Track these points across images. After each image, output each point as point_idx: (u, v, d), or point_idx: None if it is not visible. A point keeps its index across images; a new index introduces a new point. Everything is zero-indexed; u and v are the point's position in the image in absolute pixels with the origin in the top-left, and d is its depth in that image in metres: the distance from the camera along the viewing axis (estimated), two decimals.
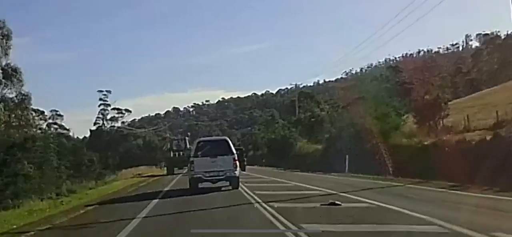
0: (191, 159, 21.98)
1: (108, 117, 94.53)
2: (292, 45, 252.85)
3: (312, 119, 60.52)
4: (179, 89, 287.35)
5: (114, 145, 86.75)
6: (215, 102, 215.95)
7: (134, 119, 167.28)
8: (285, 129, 62.47)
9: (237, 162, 21.83)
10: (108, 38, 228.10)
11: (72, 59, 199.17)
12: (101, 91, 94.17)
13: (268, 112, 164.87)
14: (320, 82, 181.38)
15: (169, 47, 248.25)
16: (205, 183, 21.51)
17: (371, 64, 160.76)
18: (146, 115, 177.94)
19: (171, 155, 45.95)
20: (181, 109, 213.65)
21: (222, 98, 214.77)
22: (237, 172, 21.65)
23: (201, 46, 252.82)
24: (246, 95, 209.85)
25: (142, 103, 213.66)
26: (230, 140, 23.71)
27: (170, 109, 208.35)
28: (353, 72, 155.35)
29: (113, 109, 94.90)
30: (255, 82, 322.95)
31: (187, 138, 52.55)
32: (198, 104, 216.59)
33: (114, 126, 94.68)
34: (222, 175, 21.47)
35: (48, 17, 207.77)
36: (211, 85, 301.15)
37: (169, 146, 50.74)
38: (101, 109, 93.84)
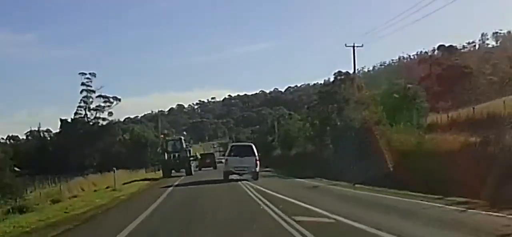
0: (225, 157, 31.51)
1: (92, 106, 74.29)
2: (302, 44, 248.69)
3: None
4: (185, 88, 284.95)
5: (92, 141, 69.74)
6: (221, 99, 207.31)
7: (137, 116, 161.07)
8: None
9: (258, 162, 29.58)
10: (113, 35, 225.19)
11: (75, 56, 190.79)
12: (83, 73, 73.17)
13: (277, 110, 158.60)
14: (331, 79, 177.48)
15: (175, 46, 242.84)
16: (234, 175, 29.44)
17: (384, 62, 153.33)
18: (149, 112, 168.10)
19: (166, 157, 42.56)
20: (186, 106, 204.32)
21: (229, 95, 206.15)
22: (257, 169, 29.41)
23: (208, 45, 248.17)
24: (254, 92, 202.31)
25: (146, 102, 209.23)
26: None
27: (173, 106, 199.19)
28: (365, 70, 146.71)
29: (99, 96, 74.17)
30: (263, 82, 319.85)
31: (183, 138, 47.96)
32: (203, 101, 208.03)
33: (98, 118, 74.41)
34: (247, 170, 29.04)
35: (53, 15, 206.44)
36: (218, 84, 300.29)
37: (164, 147, 46.14)
38: (83, 97, 73.70)
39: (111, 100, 74.56)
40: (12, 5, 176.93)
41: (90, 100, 73.52)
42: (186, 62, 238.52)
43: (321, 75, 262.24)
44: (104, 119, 73.93)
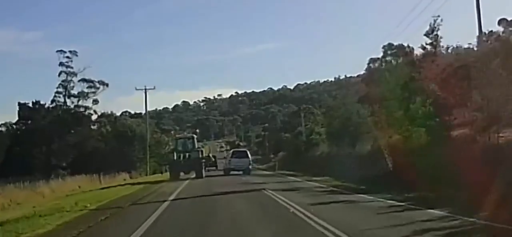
0: (228, 159, 42.47)
1: (74, 91, 59.62)
2: (310, 44, 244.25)
3: None
4: (191, 87, 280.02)
5: (62, 133, 55.08)
6: (228, 96, 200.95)
7: (141, 113, 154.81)
8: None
9: (251, 161, 41.59)
10: (119, 34, 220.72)
11: (80, 54, 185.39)
12: (61, 51, 58.53)
13: (286, 107, 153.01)
14: (341, 77, 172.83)
15: (182, 45, 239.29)
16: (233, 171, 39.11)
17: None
18: (153, 109, 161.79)
19: (175, 157, 38.70)
20: (191, 103, 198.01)
21: (235, 92, 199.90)
22: (250, 166, 40.48)
23: (215, 44, 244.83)
24: (261, 90, 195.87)
25: (151, 99, 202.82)
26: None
27: (179, 103, 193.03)
28: (361, 73, 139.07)
29: (82, 80, 59.34)
30: (270, 81, 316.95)
31: (195, 136, 42.72)
32: (209, 98, 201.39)
33: (80, 106, 59.47)
34: (243, 167, 39.38)
35: (59, 13, 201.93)
36: (225, 83, 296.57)
37: (174, 146, 42.23)
38: (62, 81, 59.12)
39: (97, 84, 59.72)
40: (19, 3, 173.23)
41: (71, 84, 59.12)
42: (194, 61, 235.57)
43: (331, 73, 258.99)
44: (86, 108, 59.74)
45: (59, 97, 58.97)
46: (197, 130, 55.39)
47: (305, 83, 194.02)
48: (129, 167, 48.98)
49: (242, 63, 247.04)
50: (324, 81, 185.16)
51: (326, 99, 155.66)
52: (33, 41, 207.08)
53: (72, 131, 55.40)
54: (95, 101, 59.78)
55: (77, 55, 58.89)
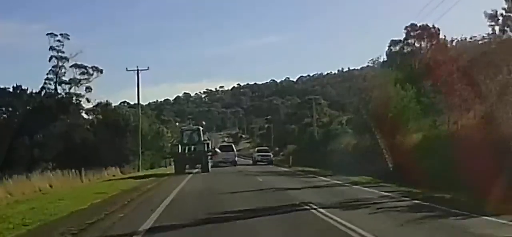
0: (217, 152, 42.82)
1: (65, 78, 54.20)
2: (314, 37, 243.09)
3: None
4: (193, 79, 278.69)
5: (46, 122, 47.15)
6: (230, 88, 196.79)
7: (141, 104, 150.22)
8: None
9: (236, 155, 50.23)
10: (123, 26, 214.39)
11: (83, 46, 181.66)
12: (53, 35, 53.27)
13: (289, 99, 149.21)
14: (345, 70, 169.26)
15: (184, 38, 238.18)
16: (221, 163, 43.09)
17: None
18: (154, 100, 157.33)
19: (180, 149, 37.03)
20: (192, 94, 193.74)
21: (238, 84, 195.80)
22: (236, 159, 48.25)
23: (217, 37, 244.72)
24: (264, 82, 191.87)
25: (153, 92, 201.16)
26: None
27: (180, 95, 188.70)
28: (381, 60, 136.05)
29: (74, 66, 54.02)
30: (273, 73, 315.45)
31: (201, 128, 40.87)
32: (211, 90, 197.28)
33: (70, 94, 53.91)
34: (230, 159, 46.09)
35: (61, 5, 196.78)
36: (227, 76, 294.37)
37: (180, 138, 40.83)
38: (53, 66, 53.79)
39: (90, 71, 54.24)
40: None
41: (63, 70, 53.66)
42: (196, 54, 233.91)
43: (335, 66, 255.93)
44: (78, 95, 53.88)
45: (50, 84, 53.48)
46: (203, 122, 50.99)
47: (308, 75, 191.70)
48: (121, 161, 43.38)
49: (244, 56, 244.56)
50: (328, 73, 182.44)
51: (330, 92, 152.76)
52: (37, 33, 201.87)
53: (58, 120, 48.49)
54: (89, 89, 54.20)
55: (69, 39, 53.41)
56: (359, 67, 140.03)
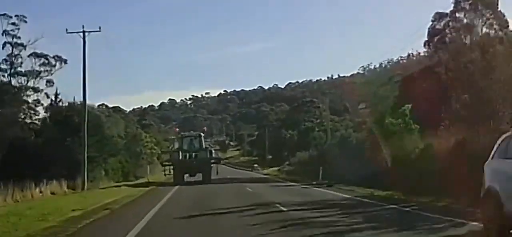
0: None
1: (21, 69, 44.01)
2: (302, 43, 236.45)
3: None
4: (180, 87, 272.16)
5: None
6: (216, 94, 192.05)
7: (124, 110, 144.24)
8: None
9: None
10: (108, 31, 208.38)
11: (69, 49, 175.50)
12: (6, 16, 42.72)
13: (278, 106, 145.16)
14: (334, 77, 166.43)
15: (170, 45, 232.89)
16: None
17: (392, 59, 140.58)
18: (138, 106, 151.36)
19: (181, 157, 36.30)
20: (178, 101, 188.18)
21: (224, 90, 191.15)
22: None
23: (204, 44, 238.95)
24: (251, 88, 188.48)
25: (139, 99, 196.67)
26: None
27: (165, 101, 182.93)
28: (371, 67, 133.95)
29: (32, 55, 43.68)
30: (260, 80, 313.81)
31: (202, 135, 39.94)
32: (196, 96, 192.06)
33: (26, 87, 43.80)
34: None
35: (46, 7, 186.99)
36: (214, 83, 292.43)
37: (179, 145, 39.17)
38: (7, 55, 43.68)
39: (52, 61, 44.34)
40: None
41: (18, 59, 43.70)
42: (182, 61, 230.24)
43: (324, 73, 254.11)
44: (35, 90, 43.56)
45: (3, 75, 43.62)
46: (205, 128, 48.58)
47: (297, 82, 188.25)
48: (73, 172, 32.71)
49: (231, 63, 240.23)
50: (317, 80, 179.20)
51: (321, 98, 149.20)
52: None
53: None
54: (50, 82, 44.40)
55: (26, 22, 43.50)
56: (349, 74, 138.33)
